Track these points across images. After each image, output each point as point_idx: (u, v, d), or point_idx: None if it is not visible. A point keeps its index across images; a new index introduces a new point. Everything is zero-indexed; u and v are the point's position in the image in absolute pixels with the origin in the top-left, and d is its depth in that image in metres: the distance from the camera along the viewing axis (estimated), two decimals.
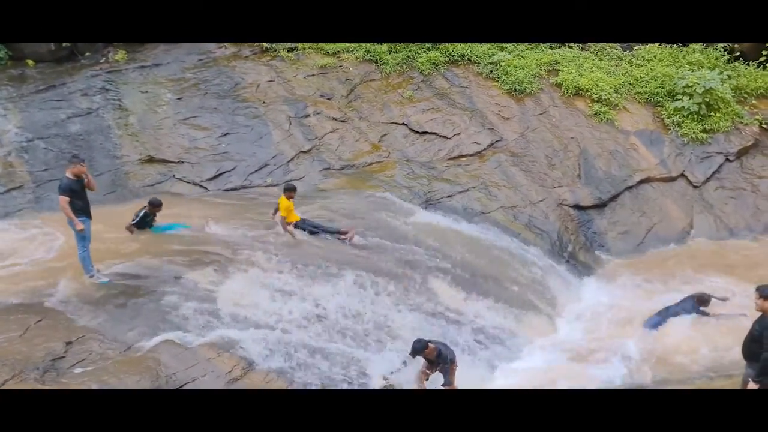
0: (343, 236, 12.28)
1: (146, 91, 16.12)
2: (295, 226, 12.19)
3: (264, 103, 16.36)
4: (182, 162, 15.04)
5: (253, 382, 8.69)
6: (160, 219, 12.28)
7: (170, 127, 15.57)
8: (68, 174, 9.89)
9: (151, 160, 14.98)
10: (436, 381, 9.20)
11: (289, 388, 8.76)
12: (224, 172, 14.99)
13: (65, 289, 9.98)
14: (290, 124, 16.05)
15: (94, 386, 7.91)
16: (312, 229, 12.34)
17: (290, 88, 16.87)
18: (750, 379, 6.80)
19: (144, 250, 11.28)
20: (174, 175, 14.83)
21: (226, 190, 14.68)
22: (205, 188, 14.67)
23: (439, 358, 8.82)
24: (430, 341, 8.96)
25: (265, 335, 9.47)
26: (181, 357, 8.71)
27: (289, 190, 12.13)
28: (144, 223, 12.07)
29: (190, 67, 17.01)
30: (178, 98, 16.08)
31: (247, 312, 9.96)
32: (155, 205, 12.10)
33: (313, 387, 8.94)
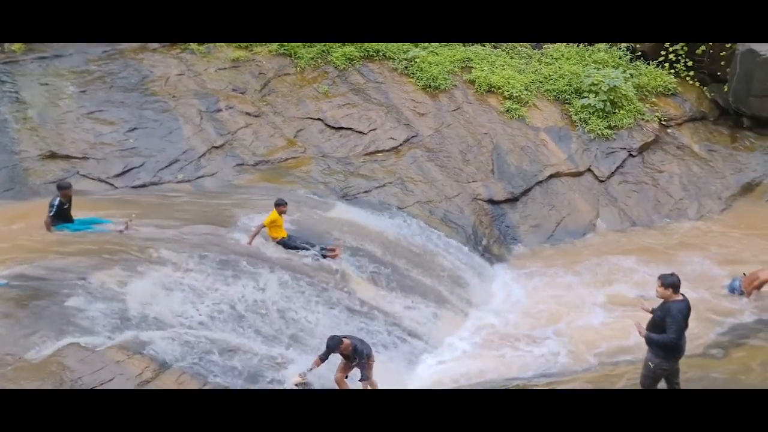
0: (330, 254, 11.95)
1: (46, 84, 15.32)
2: (280, 242, 11.83)
3: (174, 97, 15.85)
4: (87, 158, 14.37)
5: (165, 383, 8.40)
6: (79, 214, 11.61)
7: (74, 121, 14.86)
8: None
9: (52, 155, 14.24)
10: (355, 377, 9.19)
11: (211, 388, 8.54)
12: (132, 168, 14.42)
13: None
14: (201, 118, 15.63)
15: None
16: (295, 246, 11.91)
17: (201, 81, 16.43)
18: (650, 363, 7.11)
19: (46, 249, 10.69)
20: (78, 172, 14.15)
21: (135, 186, 14.14)
22: (112, 185, 14.09)
23: (355, 353, 8.78)
24: (345, 337, 8.92)
25: (178, 335, 9.17)
26: (88, 360, 8.32)
27: (280, 205, 11.74)
28: (61, 212, 11.36)
29: (94, 59, 16.27)
30: (82, 91, 15.36)
31: (157, 312, 9.62)
32: (65, 188, 11.43)
33: (228, 387, 8.74)
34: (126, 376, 8.29)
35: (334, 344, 8.71)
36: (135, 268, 10.28)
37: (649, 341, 7.00)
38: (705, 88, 19.15)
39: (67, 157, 14.29)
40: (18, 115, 14.59)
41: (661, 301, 7.20)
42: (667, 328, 6.92)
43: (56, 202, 11.33)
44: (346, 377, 9.06)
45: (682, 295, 7.04)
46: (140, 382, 8.30)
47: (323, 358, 8.87)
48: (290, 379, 9.00)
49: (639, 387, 7.39)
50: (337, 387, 9.04)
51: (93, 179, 14.10)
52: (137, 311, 9.51)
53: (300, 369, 9.11)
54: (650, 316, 7.29)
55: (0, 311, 8.90)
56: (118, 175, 14.27)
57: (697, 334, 10.26)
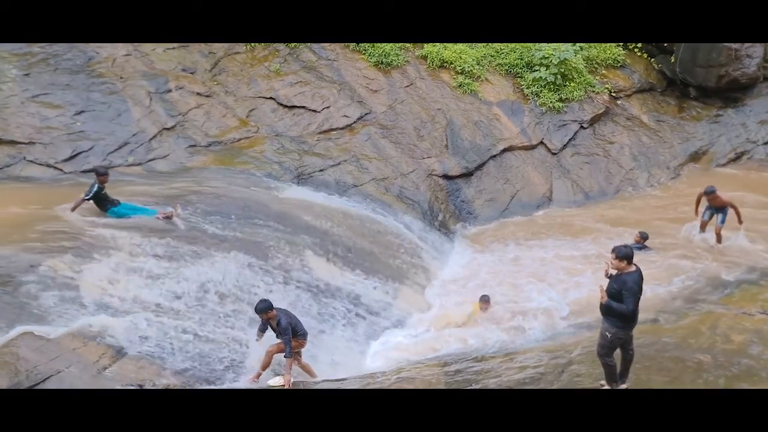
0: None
1: None
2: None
3: (121, 78, 15.48)
4: (33, 143, 13.97)
5: (124, 369, 8.36)
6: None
7: (18, 105, 14.39)
8: None
9: None
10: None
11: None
12: (81, 153, 14.07)
13: None
14: (151, 100, 15.31)
15: None
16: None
17: (149, 62, 16.07)
18: (607, 333, 7.32)
19: None
20: (25, 157, 13.75)
21: (84, 171, 13.80)
22: (61, 170, 13.73)
23: (278, 326, 8.58)
24: (276, 308, 8.67)
25: (134, 321, 9.09)
26: (43, 349, 8.19)
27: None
28: (99, 197, 11.20)
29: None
30: (25, 74, 14.87)
31: (113, 298, 9.49)
32: (102, 174, 11.23)
33: (189, 370, 8.72)
34: (83, 364, 8.21)
35: (263, 308, 8.49)
36: (87, 254, 10.10)
37: (609, 309, 7.18)
38: (653, 59, 19.56)
39: (13, 142, 13.87)
40: None
41: (615, 272, 7.37)
42: (624, 299, 7.11)
43: (94, 188, 11.18)
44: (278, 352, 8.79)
45: (635, 265, 7.23)
46: (98, 369, 8.23)
47: (261, 328, 8.83)
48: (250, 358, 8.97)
49: (595, 354, 7.60)
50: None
51: (41, 165, 13.72)
52: (91, 298, 9.37)
53: (260, 352, 9.05)
54: (602, 284, 7.46)
55: None
56: (66, 160, 13.91)
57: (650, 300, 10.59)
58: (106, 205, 11.44)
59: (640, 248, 12.82)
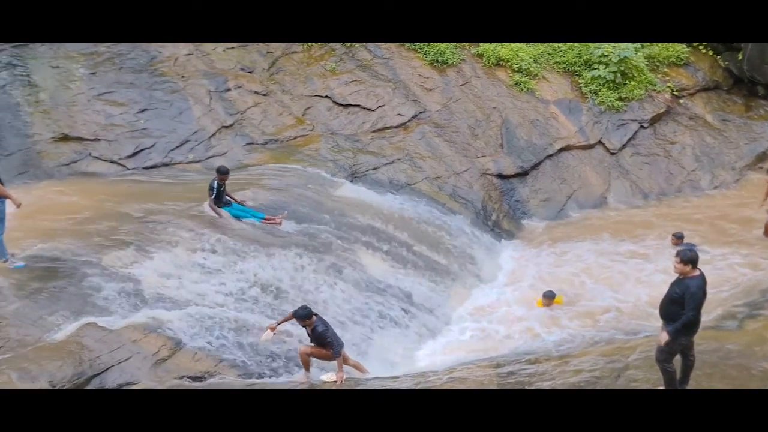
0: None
1: (57, 66, 15.37)
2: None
3: (183, 77, 15.88)
4: (98, 139, 14.47)
5: (181, 361, 8.57)
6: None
7: (84, 103, 14.93)
8: None
9: (65, 138, 14.35)
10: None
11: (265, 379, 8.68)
12: (143, 149, 14.52)
13: None
14: (211, 98, 15.66)
15: (13, 374, 7.64)
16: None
17: (209, 61, 16.43)
18: (665, 332, 7.14)
19: (61, 232, 10.85)
20: (90, 153, 14.27)
21: (146, 167, 14.24)
22: (124, 166, 14.20)
23: (313, 333, 8.64)
24: (316, 314, 8.70)
25: (192, 314, 9.31)
26: (105, 340, 8.48)
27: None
28: (220, 195, 11.67)
29: None
30: (92, 73, 15.41)
31: (172, 291, 9.76)
32: (223, 173, 11.65)
33: (242, 363, 8.88)
34: (143, 355, 8.45)
35: (302, 314, 8.53)
36: (148, 248, 10.42)
37: (676, 333, 6.98)
38: (719, 56, 18.91)
39: (79, 139, 14.40)
40: (30, 98, 14.68)
41: (678, 276, 7.16)
42: (686, 305, 6.91)
43: (215, 185, 11.58)
44: (309, 355, 8.82)
45: (699, 270, 7.02)
46: (157, 360, 8.46)
47: (292, 315, 8.77)
48: (263, 335, 9.07)
49: (653, 360, 7.42)
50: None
51: (105, 161, 14.21)
52: (152, 291, 9.65)
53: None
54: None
55: (19, 293, 9.08)
56: (129, 156, 14.37)
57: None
58: (221, 203, 11.79)
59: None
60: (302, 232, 11.94)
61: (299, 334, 9.67)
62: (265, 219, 11.94)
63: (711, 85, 18.58)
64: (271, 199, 12.61)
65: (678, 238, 12.91)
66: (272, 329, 8.95)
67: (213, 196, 11.64)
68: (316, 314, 8.72)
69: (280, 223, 11.90)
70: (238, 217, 11.83)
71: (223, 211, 11.76)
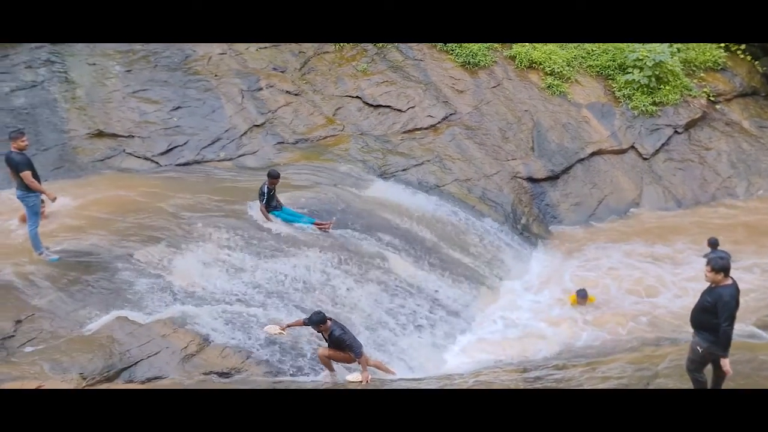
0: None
1: (94, 64, 15.62)
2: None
3: (216, 76, 16.04)
4: (132, 136, 14.68)
5: (209, 357, 8.66)
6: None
7: (119, 100, 15.16)
8: (13, 148, 9.59)
9: (100, 134, 14.58)
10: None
11: (276, 374, 8.73)
12: (176, 147, 14.69)
13: (14, 267, 9.69)
14: (243, 97, 15.80)
15: (45, 365, 7.79)
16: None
17: (242, 60, 16.57)
18: (698, 348, 7.02)
19: (94, 226, 11.03)
20: (124, 150, 14.47)
21: (179, 164, 14.40)
22: (157, 163, 14.38)
23: (330, 338, 8.69)
24: (330, 319, 8.76)
25: (221, 310, 9.41)
26: (136, 334, 8.61)
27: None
28: (270, 199, 11.75)
29: None
30: (127, 71, 15.64)
31: (201, 288, 9.87)
32: (274, 177, 11.73)
33: (271, 361, 8.93)
34: (172, 350, 8.56)
35: (316, 320, 8.60)
36: (179, 245, 10.55)
37: (701, 323, 6.87)
38: (757, 62, 18.58)
39: (114, 135, 14.62)
40: (67, 94, 14.94)
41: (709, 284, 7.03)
42: (719, 315, 6.77)
43: (265, 189, 11.68)
44: (328, 357, 8.91)
45: (731, 278, 6.87)
46: (185, 355, 8.56)
47: (304, 323, 8.84)
48: (268, 328, 9.10)
49: (683, 369, 7.31)
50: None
51: (138, 157, 14.41)
52: (182, 287, 9.78)
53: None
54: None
55: (53, 286, 9.26)
56: (162, 153, 14.55)
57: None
58: (270, 207, 11.86)
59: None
60: (334, 233, 11.98)
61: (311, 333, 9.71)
62: (315, 224, 11.95)
63: (748, 90, 18.26)
64: (299, 201, 12.66)
65: (713, 244, 12.66)
66: (282, 329, 9.01)
67: (264, 201, 11.66)
68: (330, 318, 8.77)
69: (327, 228, 11.89)
70: (287, 222, 11.87)
71: (273, 216, 11.80)
